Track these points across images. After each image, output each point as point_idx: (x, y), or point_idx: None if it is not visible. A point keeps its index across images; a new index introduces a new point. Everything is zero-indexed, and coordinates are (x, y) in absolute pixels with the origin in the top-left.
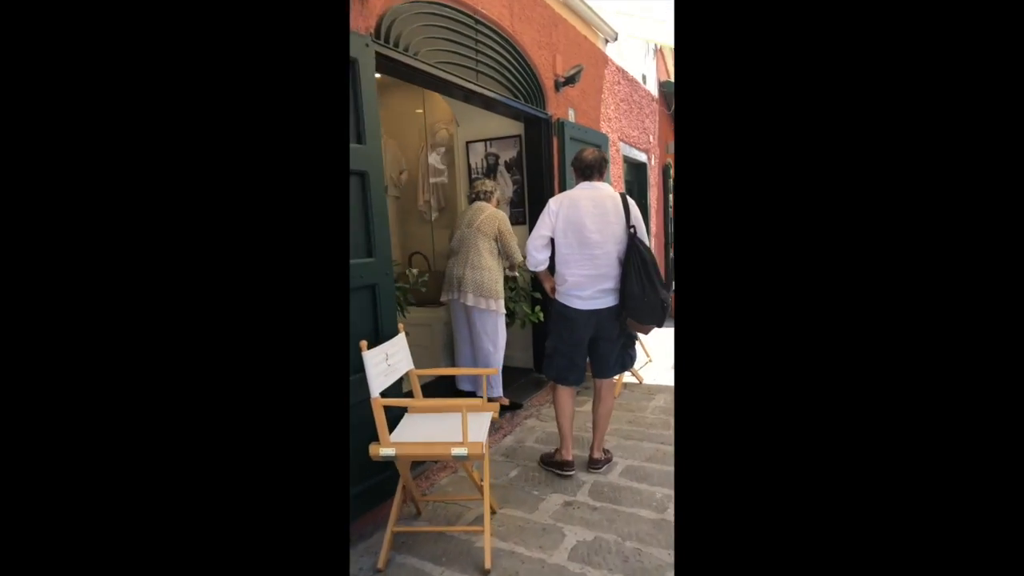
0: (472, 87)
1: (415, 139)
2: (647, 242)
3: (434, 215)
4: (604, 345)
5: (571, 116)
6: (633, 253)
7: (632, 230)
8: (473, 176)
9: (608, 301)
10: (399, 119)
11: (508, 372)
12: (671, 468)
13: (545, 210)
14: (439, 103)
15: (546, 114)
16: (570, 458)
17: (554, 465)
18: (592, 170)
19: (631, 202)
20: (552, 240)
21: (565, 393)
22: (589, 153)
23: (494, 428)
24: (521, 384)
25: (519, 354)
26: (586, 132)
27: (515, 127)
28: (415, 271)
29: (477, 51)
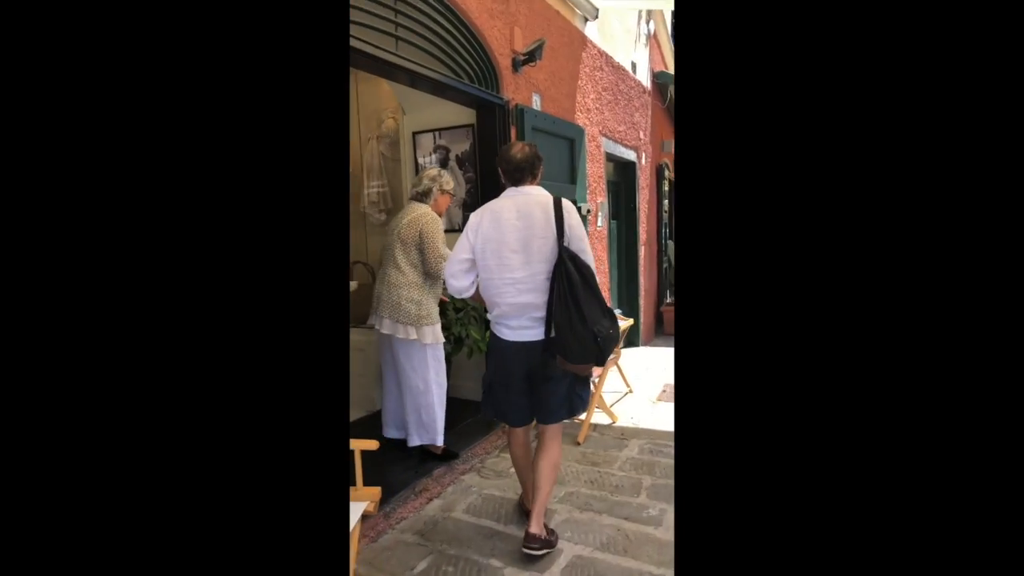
0: (393, 59)
1: (359, 130)
2: (587, 257)
3: (376, 217)
4: (544, 384)
5: (536, 103)
6: (560, 273)
7: (563, 243)
8: (419, 171)
9: (541, 332)
10: None
11: (452, 406)
12: (632, 563)
13: (465, 227)
14: (381, 87)
15: (500, 98)
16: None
17: (521, 510)
18: (523, 172)
19: (568, 208)
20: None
21: (513, 436)
22: (518, 150)
23: (414, 492)
24: (467, 425)
25: (468, 384)
26: (554, 122)
27: (468, 115)
28: (354, 284)
29: (396, 11)
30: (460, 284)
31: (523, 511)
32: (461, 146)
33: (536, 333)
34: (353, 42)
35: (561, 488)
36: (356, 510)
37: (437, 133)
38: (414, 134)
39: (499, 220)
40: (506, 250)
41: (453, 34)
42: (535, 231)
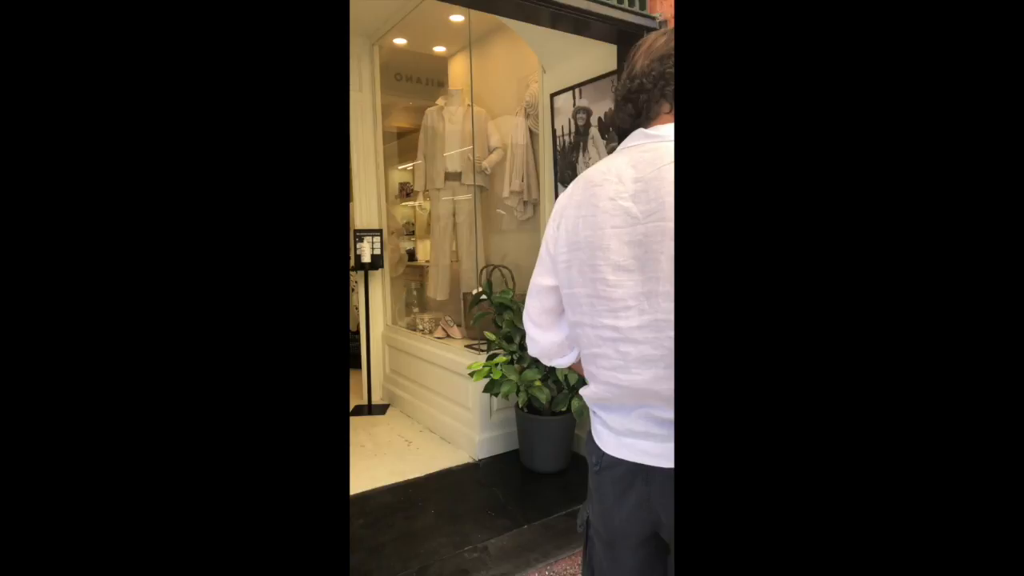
0: None
1: (511, 103)
2: None
3: (519, 212)
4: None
5: None
6: None
7: None
8: (558, 145)
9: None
10: (487, 77)
11: (515, 478)
12: None
13: (549, 221)
14: (522, 47)
15: (650, 17)
16: None
17: None
18: (647, 93)
19: None
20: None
21: None
22: (643, 50)
23: None
24: (535, 523)
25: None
26: None
27: (610, 59)
28: (487, 291)
29: None
30: (546, 340)
31: None
32: (604, 105)
33: (664, 449)
34: None
35: None
36: None
37: (577, 91)
38: (552, 96)
39: (595, 200)
40: (604, 264)
41: None
42: (670, 221)
